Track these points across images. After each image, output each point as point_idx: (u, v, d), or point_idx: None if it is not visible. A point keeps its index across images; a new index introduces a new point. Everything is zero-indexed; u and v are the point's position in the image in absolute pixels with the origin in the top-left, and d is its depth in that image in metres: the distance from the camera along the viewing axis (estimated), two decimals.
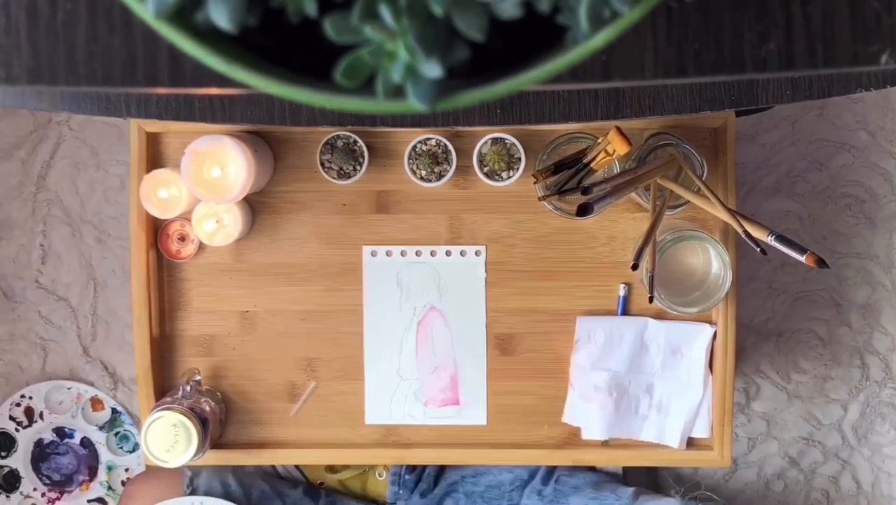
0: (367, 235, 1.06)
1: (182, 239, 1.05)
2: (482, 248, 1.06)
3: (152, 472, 1.11)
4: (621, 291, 1.06)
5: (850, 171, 1.52)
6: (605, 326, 1.05)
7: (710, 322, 1.06)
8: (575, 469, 1.16)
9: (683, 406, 1.05)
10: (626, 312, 1.07)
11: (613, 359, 1.05)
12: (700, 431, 1.07)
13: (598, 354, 1.05)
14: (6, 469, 1.54)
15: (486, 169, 1.03)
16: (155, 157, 1.05)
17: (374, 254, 1.06)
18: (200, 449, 0.98)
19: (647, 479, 1.30)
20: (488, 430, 1.08)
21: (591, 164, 0.93)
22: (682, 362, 1.06)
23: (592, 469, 1.19)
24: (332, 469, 1.17)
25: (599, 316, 1.06)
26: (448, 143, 1.02)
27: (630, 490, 1.12)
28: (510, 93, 0.40)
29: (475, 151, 1.02)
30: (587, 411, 1.06)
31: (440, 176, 1.02)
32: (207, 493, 1.08)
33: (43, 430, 1.53)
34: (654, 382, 1.06)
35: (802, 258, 0.82)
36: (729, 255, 0.99)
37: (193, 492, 1.08)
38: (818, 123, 1.52)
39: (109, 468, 1.53)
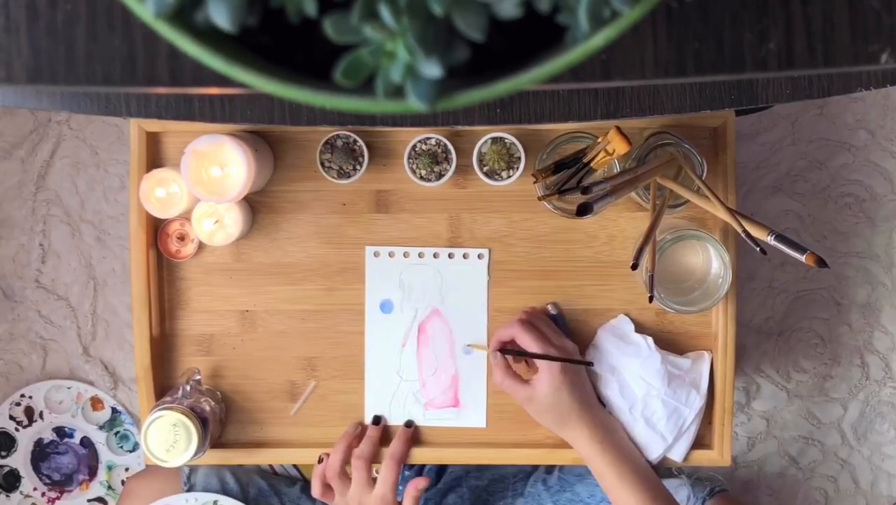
0: (366, 235, 1.06)
1: (182, 238, 1.05)
2: (485, 252, 1.06)
3: (151, 469, 1.12)
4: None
5: (850, 170, 1.52)
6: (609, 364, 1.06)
7: (708, 350, 1.06)
8: None
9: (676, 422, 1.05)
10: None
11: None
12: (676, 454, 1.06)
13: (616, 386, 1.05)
14: (6, 469, 1.54)
15: (485, 168, 1.02)
16: (155, 156, 1.05)
17: (376, 255, 1.06)
18: (200, 448, 0.98)
19: None
20: (487, 431, 1.08)
21: (591, 164, 0.93)
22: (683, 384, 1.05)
23: None
24: None
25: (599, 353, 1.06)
26: (448, 143, 1.02)
27: None
28: (510, 93, 0.40)
29: (475, 151, 1.02)
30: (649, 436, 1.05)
31: (440, 175, 1.02)
32: (205, 489, 1.08)
33: (43, 429, 1.53)
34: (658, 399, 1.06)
35: (802, 258, 0.82)
36: (729, 254, 0.99)
37: (191, 489, 1.08)
38: (818, 122, 1.52)
39: (109, 468, 1.53)
